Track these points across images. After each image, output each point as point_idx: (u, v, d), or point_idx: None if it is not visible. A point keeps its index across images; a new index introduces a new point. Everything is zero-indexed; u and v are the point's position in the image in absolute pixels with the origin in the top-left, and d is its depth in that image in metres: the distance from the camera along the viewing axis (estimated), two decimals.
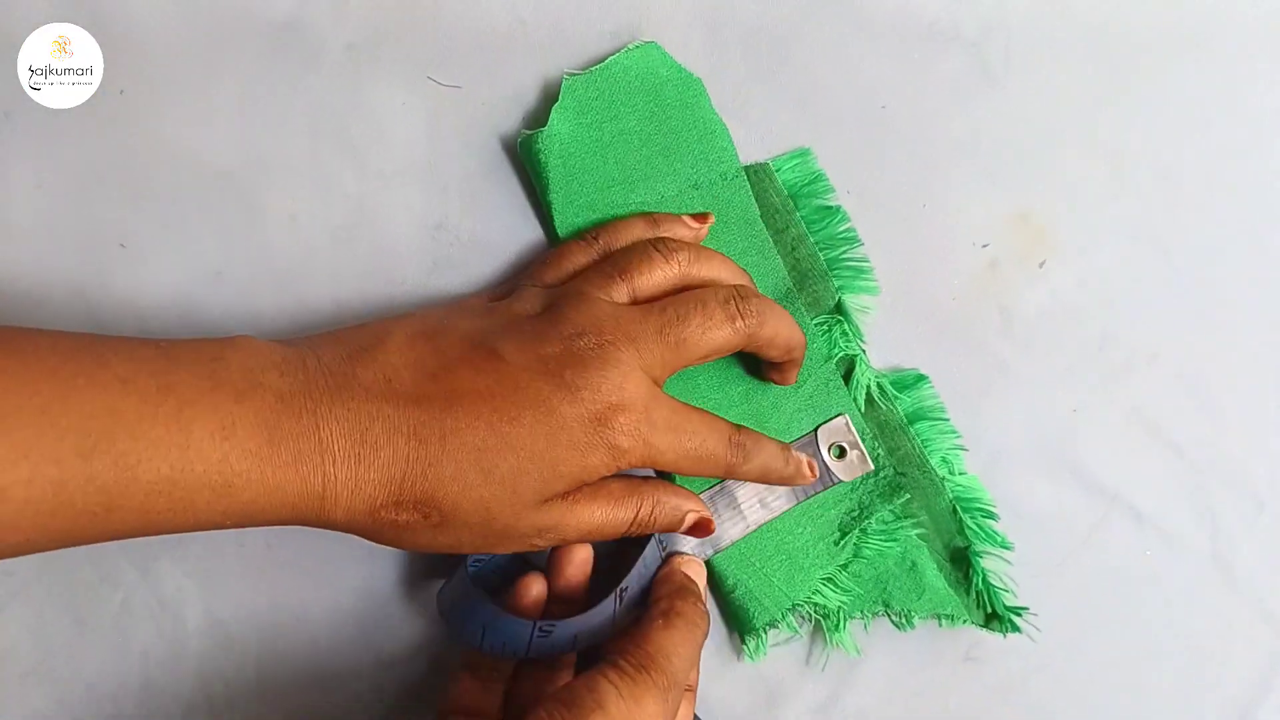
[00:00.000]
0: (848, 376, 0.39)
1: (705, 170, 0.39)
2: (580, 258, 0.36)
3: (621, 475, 0.34)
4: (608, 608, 0.34)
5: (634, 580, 0.35)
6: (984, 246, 0.40)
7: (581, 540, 0.34)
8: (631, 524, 0.34)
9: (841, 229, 0.39)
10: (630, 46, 0.38)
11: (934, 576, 0.39)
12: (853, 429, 0.39)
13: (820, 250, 0.39)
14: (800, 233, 0.39)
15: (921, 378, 0.40)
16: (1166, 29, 0.41)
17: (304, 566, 0.38)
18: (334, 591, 0.39)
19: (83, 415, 0.27)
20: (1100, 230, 0.41)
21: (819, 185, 0.39)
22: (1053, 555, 0.41)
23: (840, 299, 0.39)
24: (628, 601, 0.35)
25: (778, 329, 0.35)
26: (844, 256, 0.39)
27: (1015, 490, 0.40)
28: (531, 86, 0.38)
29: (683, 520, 0.35)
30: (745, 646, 0.38)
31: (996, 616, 0.39)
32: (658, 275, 0.35)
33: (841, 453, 0.39)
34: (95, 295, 0.37)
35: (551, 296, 0.34)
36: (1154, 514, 0.41)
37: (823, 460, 0.38)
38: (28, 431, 0.26)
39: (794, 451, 0.37)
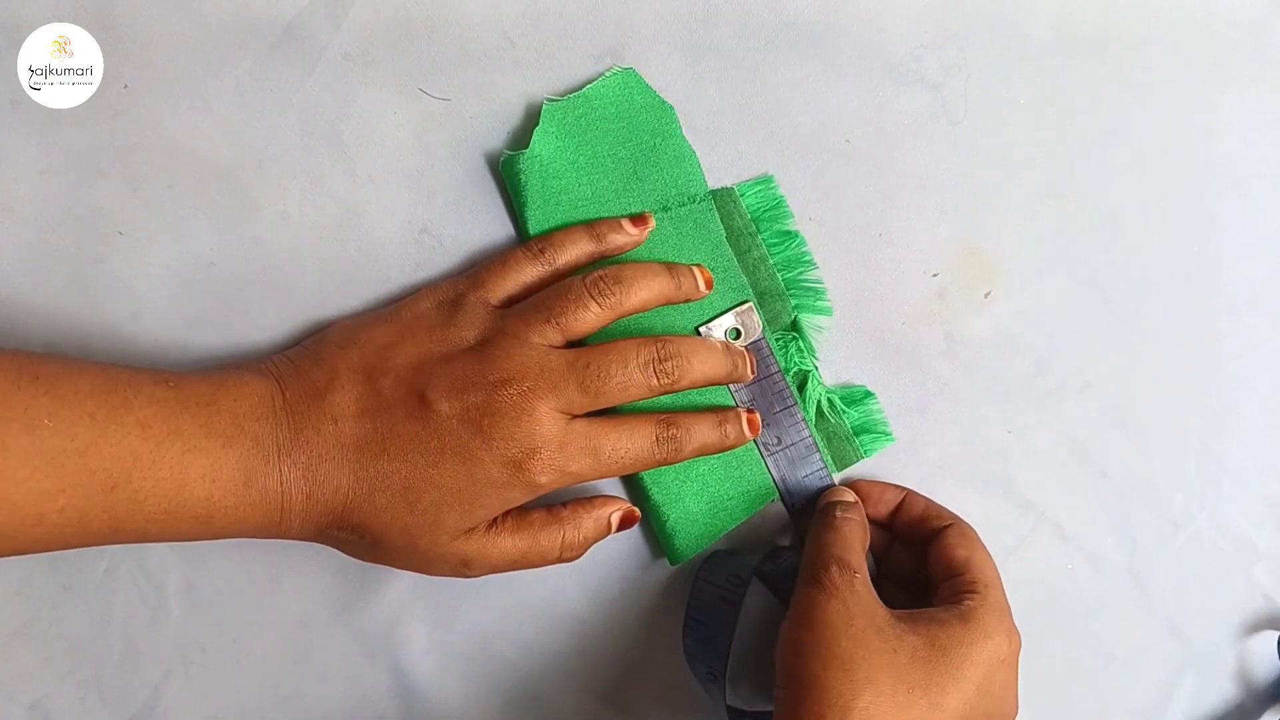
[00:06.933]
0: (801, 390, 0.41)
1: (674, 193, 0.40)
2: (526, 269, 0.38)
3: (544, 503, 0.37)
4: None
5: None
6: (934, 275, 0.42)
7: (510, 569, 0.37)
8: (559, 550, 0.37)
9: (800, 253, 0.41)
10: (609, 72, 0.39)
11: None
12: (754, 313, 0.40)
13: (779, 271, 0.41)
14: (762, 254, 0.41)
15: (869, 394, 0.42)
16: (1116, 82, 0.43)
17: (281, 543, 0.40)
18: (309, 566, 0.40)
19: (111, 457, 0.31)
20: (1043, 266, 0.43)
21: (780, 211, 0.41)
22: None
23: (796, 318, 0.41)
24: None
25: (697, 377, 0.37)
26: (801, 278, 0.41)
27: (949, 502, 0.42)
28: (517, 103, 0.39)
29: (608, 525, 0.38)
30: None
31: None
32: (590, 317, 0.36)
33: (737, 335, 0.40)
34: (92, 280, 0.38)
35: (490, 328, 0.36)
36: (1077, 531, 0.44)
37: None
38: (69, 470, 0.31)
39: (727, 412, 0.39)
